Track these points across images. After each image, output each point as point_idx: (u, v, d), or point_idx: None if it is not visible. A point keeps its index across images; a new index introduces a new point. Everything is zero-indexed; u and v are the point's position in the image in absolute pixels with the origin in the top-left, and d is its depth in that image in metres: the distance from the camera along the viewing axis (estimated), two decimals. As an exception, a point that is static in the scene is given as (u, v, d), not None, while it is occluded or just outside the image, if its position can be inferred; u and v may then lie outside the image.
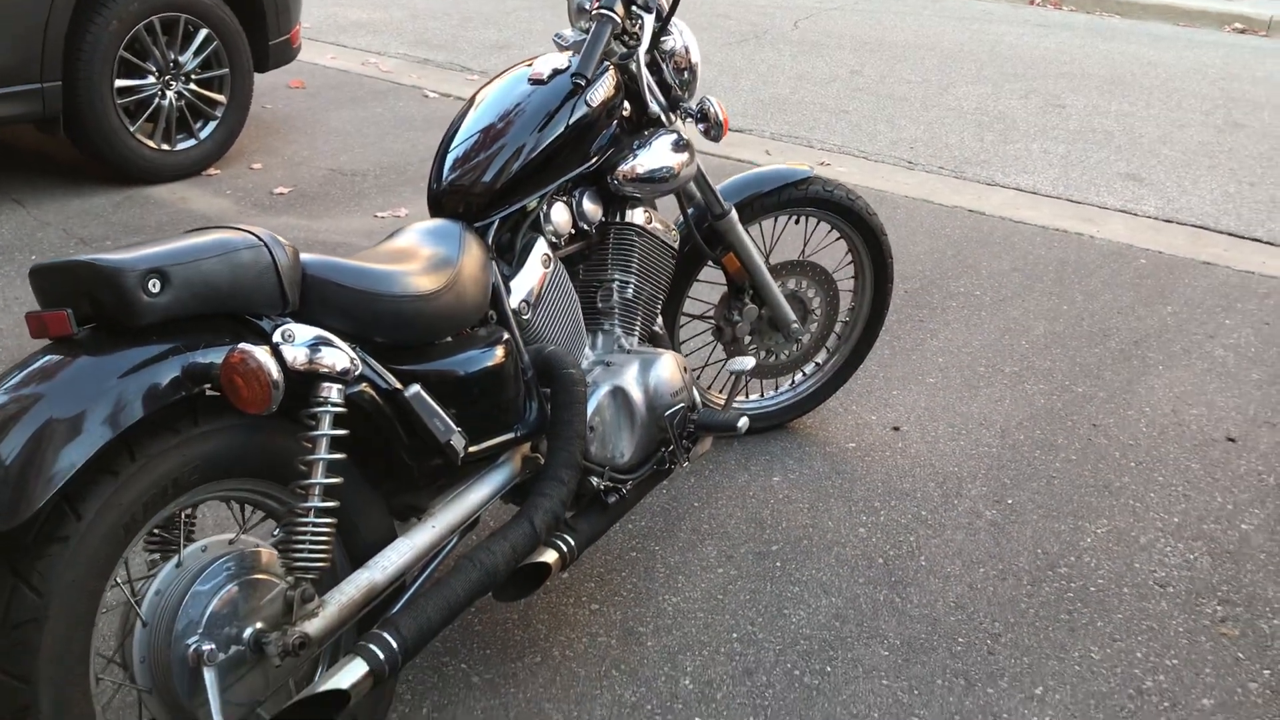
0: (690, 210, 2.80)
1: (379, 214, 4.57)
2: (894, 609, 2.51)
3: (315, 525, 1.75)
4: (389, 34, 7.55)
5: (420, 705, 2.18)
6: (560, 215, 2.34)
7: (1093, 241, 4.67)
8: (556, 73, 2.31)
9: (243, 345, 1.61)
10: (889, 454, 3.10)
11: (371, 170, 5.05)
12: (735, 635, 2.40)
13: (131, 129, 4.53)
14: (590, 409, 2.26)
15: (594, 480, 2.26)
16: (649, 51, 2.52)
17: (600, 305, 2.47)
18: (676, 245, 2.61)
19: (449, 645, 2.33)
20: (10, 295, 3.74)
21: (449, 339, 2.04)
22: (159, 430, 1.65)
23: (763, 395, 3.20)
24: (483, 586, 1.92)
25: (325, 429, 1.75)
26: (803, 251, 3.07)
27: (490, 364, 2.05)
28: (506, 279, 2.23)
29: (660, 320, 2.67)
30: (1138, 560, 2.71)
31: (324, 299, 1.83)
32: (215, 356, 1.66)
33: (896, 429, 3.23)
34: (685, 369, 2.45)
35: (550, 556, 2.11)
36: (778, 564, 2.64)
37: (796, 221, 3.06)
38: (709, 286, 3.08)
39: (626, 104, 2.49)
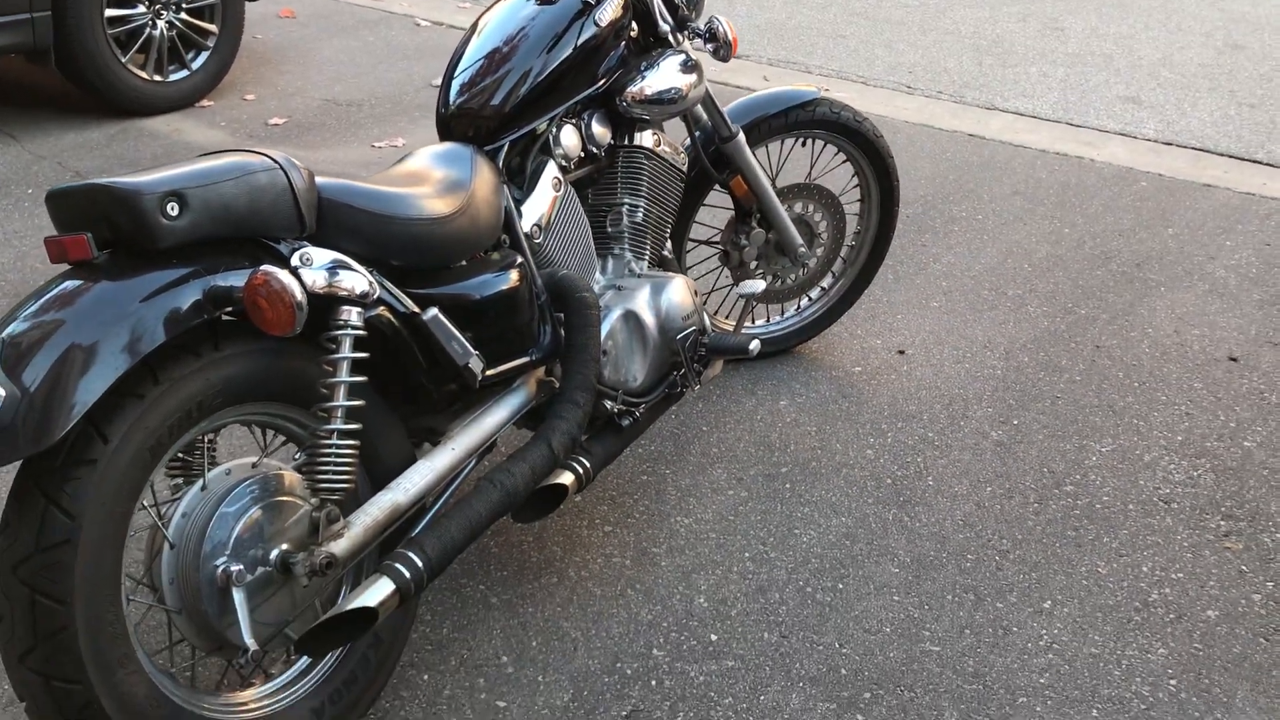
0: (697, 133, 2.78)
1: (376, 144, 4.53)
2: (903, 527, 2.54)
3: (339, 447, 1.76)
4: (378, -39, 7.42)
5: (440, 626, 2.21)
6: (569, 138, 2.33)
7: (1093, 165, 4.65)
8: None
9: (265, 267, 1.61)
10: (894, 377, 3.12)
11: (366, 100, 5.00)
12: (748, 555, 2.44)
13: (123, 60, 4.47)
14: (603, 333, 2.26)
15: (607, 403, 2.27)
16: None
17: (610, 229, 2.46)
18: (685, 168, 2.60)
19: (466, 568, 2.36)
20: (10, 229, 3.71)
21: (463, 263, 2.04)
22: (181, 354, 1.65)
23: (769, 320, 3.21)
24: (503, 506, 1.94)
25: (346, 352, 1.75)
26: (809, 174, 3.06)
27: (505, 287, 2.05)
28: (518, 203, 2.22)
29: (669, 244, 2.67)
30: (1142, 478, 2.74)
31: (339, 222, 1.82)
32: (236, 280, 1.66)
33: (901, 352, 3.25)
34: (696, 292, 2.45)
35: (567, 478, 2.13)
36: (787, 485, 2.66)
37: (803, 144, 3.05)
38: (716, 211, 3.08)
39: (634, 25, 2.47)
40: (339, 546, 1.75)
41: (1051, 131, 5.00)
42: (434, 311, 1.91)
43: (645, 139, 2.48)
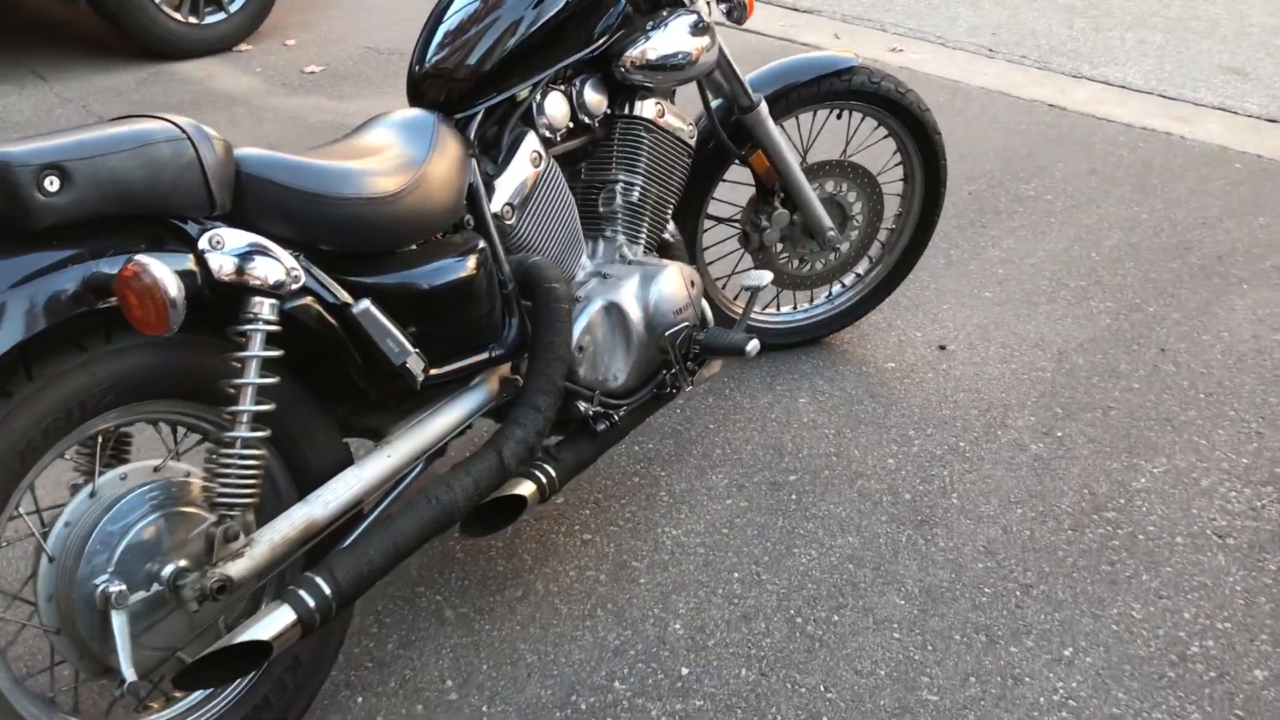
0: (717, 102, 2.52)
1: (412, 96, 4.33)
2: (916, 552, 2.29)
3: (242, 456, 1.57)
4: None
5: (387, 640, 2.03)
6: (556, 106, 2.09)
7: (1183, 142, 4.26)
8: None
9: (139, 256, 1.41)
10: (931, 376, 2.84)
11: (409, 49, 4.79)
12: (736, 575, 2.21)
13: (157, 1, 4.32)
14: (580, 327, 2.04)
15: (582, 405, 2.05)
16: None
17: (602, 209, 2.23)
18: (693, 142, 2.35)
19: (425, 575, 2.17)
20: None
21: (413, 247, 1.82)
22: (62, 347, 1.47)
23: (795, 307, 2.95)
24: (438, 525, 1.74)
25: (256, 349, 1.56)
26: (844, 150, 2.78)
27: (459, 276, 1.83)
28: (490, 179, 2.00)
29: (672, 226, 2.42)
30: (1196, 505, 2.44)
31: (262, 200, 1.62)
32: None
33: (943, 348, 2.96)
34: (693, 283, 2.21)
35: (527, 488, 1.92)
36: (793, 496, 2.42)
37: (839, 116, 2.77)
38: (739, 188, 2.81)
39: (639, -20, 2.21)
40: (236, 568, 1.56)
41: (1142, 104, 4.60)
42: (365, 304, 1.70)
43: (646, 109, 2.23)
